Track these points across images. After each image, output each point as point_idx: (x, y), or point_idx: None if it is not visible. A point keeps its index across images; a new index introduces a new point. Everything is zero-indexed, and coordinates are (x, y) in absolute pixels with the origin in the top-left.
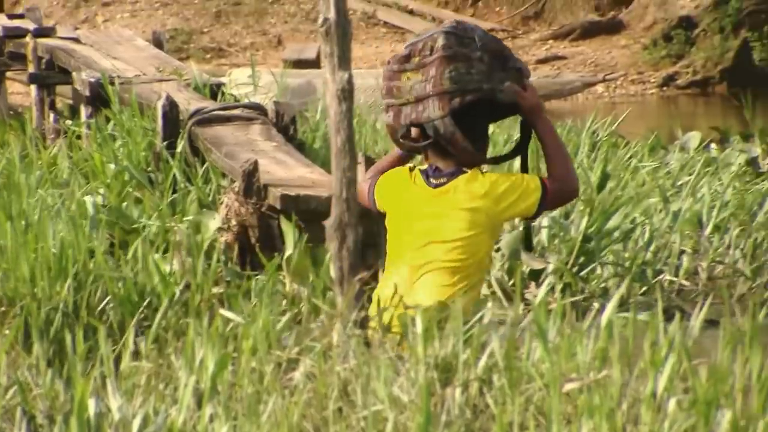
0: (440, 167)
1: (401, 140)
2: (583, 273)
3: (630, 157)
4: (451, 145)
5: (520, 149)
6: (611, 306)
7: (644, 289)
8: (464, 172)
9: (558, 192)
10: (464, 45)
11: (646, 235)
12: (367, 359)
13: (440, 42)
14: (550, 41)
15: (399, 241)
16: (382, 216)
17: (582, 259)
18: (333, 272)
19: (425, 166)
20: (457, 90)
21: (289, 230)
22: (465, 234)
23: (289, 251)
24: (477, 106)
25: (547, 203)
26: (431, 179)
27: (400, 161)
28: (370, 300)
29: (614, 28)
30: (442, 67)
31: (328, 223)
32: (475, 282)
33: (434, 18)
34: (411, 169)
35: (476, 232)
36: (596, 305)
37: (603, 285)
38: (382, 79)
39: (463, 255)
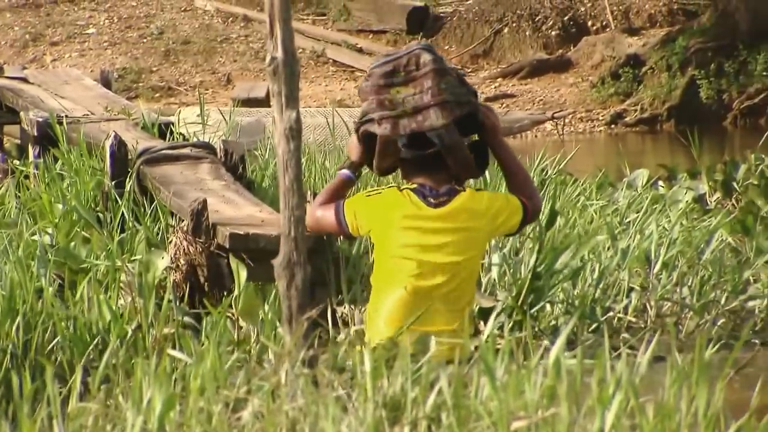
0: (432, 186)
1: (402, 149)
2: (533, 311)
3: (578, 195)
4: (454, 152)
5: (483, 168)
6: (559, 344)
7: (594, 326)
8: (459, 191)
9: (532, 210)
10: (443, 61)
11: (595, 273)
12: (315, 398)
13: (426, 57)
14: (499, 79)
15: (397, 264)
16: (353, 239)
17: (532, 297)
18: (282, 311)
19: (414, 186)
20: (454, 101)
21: (238, 269)
22: (467, 255)
23: (238, 290)
24: (461, 119)
25: (527, 221)
26: (429, 199)
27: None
28: (319, 338)
29: (562, 66)
30: (436, 79)
31: (277, 262)
32: (472, 304)
33: None
34: (400, 189)
35: (476, 253)
36: (546, 343)
37: (553, 323)
38: (368, 94)
39: (466, 275)
